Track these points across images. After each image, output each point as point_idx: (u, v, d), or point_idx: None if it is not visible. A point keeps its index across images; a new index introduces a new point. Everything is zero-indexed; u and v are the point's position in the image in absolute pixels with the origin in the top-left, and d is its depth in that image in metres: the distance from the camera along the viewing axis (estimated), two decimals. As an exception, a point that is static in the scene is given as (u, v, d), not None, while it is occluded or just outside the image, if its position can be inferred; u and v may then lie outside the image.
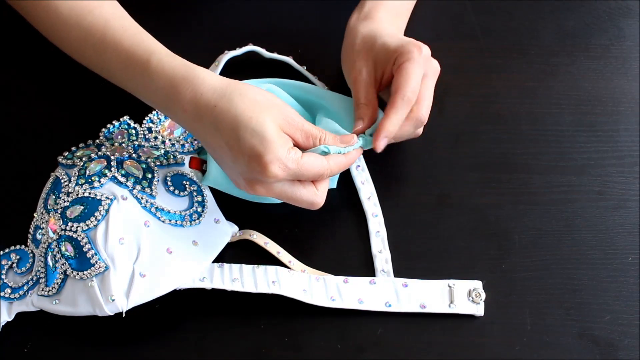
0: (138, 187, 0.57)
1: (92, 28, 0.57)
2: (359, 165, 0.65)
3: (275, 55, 0.69)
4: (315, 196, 0.55)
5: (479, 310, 0.59)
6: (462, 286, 0.60)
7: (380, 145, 0.57)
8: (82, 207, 0.55)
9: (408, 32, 0.67)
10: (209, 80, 0.54)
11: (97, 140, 0.63)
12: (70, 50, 0.61)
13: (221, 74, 0.68)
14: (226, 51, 0.69)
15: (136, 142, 0.62)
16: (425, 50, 0.58)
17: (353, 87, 0.61)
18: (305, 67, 0.69)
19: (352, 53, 0.61)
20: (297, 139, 0.54)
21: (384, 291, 0.59)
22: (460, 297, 0.59)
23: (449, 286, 0.60)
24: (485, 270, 0.61)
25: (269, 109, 0.52)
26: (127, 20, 0.59)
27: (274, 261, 0.60)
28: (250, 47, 0.69)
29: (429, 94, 0.59)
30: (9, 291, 0.57)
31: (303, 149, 0.54)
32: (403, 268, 0.61)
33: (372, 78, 0.60)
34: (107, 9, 0.59)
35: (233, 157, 0.52)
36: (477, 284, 0.60)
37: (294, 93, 0.64)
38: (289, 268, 0.60)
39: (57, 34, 0.61)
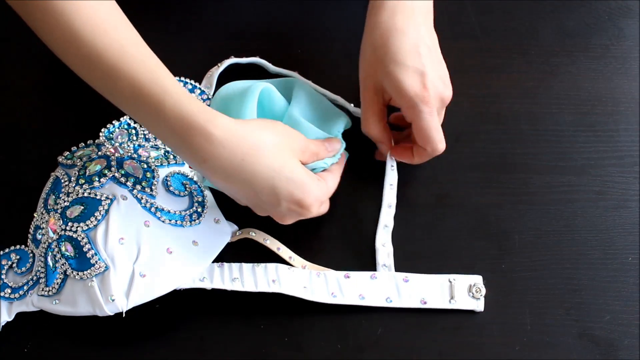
0: (138, 187, 0.57)
1: (107, 51, 0.51)
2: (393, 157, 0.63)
3: (281, 70, 0.69)
4: (335, 186, 0.60)
5: (479, 305, 0.59)
6: (463, 281, 0.60)
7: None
8: (82, 207, 0.55)
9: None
10: (229, 128, 0.52)
11: (97, 140, 0.63)
12: (77, 69, 0.54)
13: (222, 74, 0.68)
14: (232, 57, 0.69)
15: (136, 142, 0.62)
16: (433, 98, 0.57)
17: (364, 106, 0.61)
18: (310, 78, 0.69)
19: (366, 68, 0.60)
20: (306, 160, 0.57)
21: (384, 286, 0.59)
22: (460, 292, 0.59)
23: (450, 281, 0.60)
24: (485, 270, 0.61)
25: (288, 148, 0.55)
26: (143, 47, 0.53)
27: (275, 258, 0.60)
28: (256, 60, 0.69)
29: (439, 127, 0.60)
30: (9, 291, 0.57)
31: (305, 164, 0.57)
32: (403, 268, 0.61)
33: (382, 101, 0.60)
34: (124, 32, 0.53)
35: (269, 201, 0.54)
36: (478, 279, 0.60)
37: (282, 92, 0.65)
38: (290, 264, 0.60)
39: (66, 49, 0.53)
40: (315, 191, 0.55)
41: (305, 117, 0.63)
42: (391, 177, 0.62)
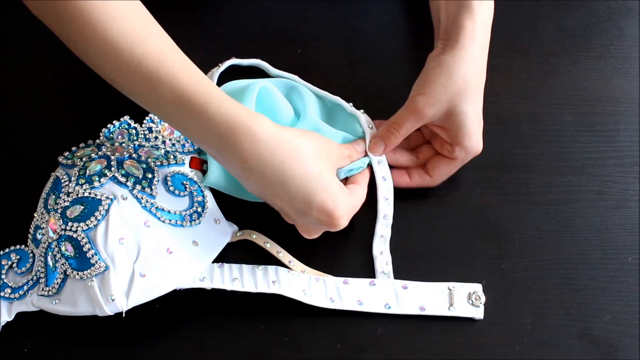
0: (138, 187, 0.57)
1: (146, 57, 0.52)
2: (380, 161, 0.63)
3: (281, 73, 0.69)
4: (362, 199, 0.60)
5: (478, 313, 0.59)
6: (462, 289, 0.60)
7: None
8: (82, 207, 0.55)
9: (409, 33, 0.67)
10: (272, 130, 0.53)
11: (98, 140, 0.63)
12: (114, 77, 0.54)
13: (223, 75, 0.68)
14: (233, 57, 0.69)
15: (136, 142, 0.62)
16: (477, 152, 0.61)
17: (409, 112, 0.60)
18: (309, 81, 0.68)
19: (445, 89, 0.59)
20: (341, 165, 0.60)
21: (383, 293, 0.59)
22: (460, 300, 0.59)
23: (449, 289, 0.60)
24: (485, 270, 0.61)
25: (326, 157, 0.56)
26: (180, 52, 0.54)
27: (274, 261, 0.60)
28: (257, 62, 0.69)
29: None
30: (9, 291, 0.57)
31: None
32: (403, 268, 0.61)
33: (429, 122, 0.60)
34: (161, 38, 0.54)
35: (301, 208, 0.54)
36: (477, 287, 0.60)
37: (284, 93, 0.65)
38: (289, 268, 0.60)
39: (103, 57, 0.53)
40: (346, 204, 0.55)
41: (323, 120, 0.64)
42: (385, 190, 0.62)
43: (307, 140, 0.55)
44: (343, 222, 0.55)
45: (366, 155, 0.63)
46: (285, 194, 0.54)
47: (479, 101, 0.60)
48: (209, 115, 0.52)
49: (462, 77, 0.58)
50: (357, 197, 0.58)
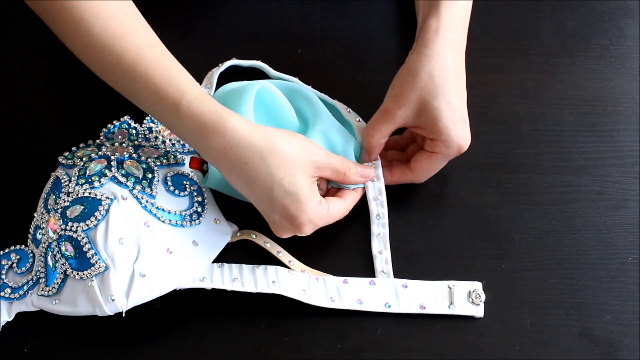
0: (138, 187, 0.57)
1: (124, 55, 0.53)
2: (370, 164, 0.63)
3: (281, 75, 0.68)
4: (339, 214, 0.59)
5: (478, 311, 0.59)
6: (462, 287, 0.60)
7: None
8: (82, 207, 0.55)
9: (409, 34, 0.67)
10: (238, 131, 0.53)
11: (98, 140, 0.63)
12: (98, 72, 0.56)
13: (222, 75, 0.68)
14: (234, 58, 0.69)
15: (136, 142, 0.62)
16: (462, 148, 0.59)
17: (380, 115, 0.60)
18: (309, 81, 0.68)
19: (412, 87, 0.58)
20: (327, 176, 0.58)
21: (383, 292, 0.59)
22: (460, 298, 0.59)
23: (449, 287, 0.60)
24: (485, 270, 0.61)
25: (299, 161, 0.54)
26: (158, 49, 0.55)
27: (274, 261, 0.60)
28: (257, 63, 0.69)
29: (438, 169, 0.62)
30: (9, 291, 0.57)
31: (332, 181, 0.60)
32: (403, 268, 0.61)
33: (403, 123, 0.60)
34: (140, 35, 0.55)
35: (265, 209, 0.56)
36: (477, 285, 0.60)
37: (286, 95, 0.64)
38: (289, 268, 0.60)
39: (86, 53, 0.55)
40: (310, 212, 0.55)
41: (332, 134, 0.62)
42: (374, 191, 0.62)
43: (281, 141, 0.54)
44: (306, 230, 0.56)
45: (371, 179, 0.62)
46: (250, 193, 0.55)
47: (454, 96, 0.58)
48: (179, 114, 0.53)
49: (428, 74, 0.57)
50: (330, 208, 0.57)
